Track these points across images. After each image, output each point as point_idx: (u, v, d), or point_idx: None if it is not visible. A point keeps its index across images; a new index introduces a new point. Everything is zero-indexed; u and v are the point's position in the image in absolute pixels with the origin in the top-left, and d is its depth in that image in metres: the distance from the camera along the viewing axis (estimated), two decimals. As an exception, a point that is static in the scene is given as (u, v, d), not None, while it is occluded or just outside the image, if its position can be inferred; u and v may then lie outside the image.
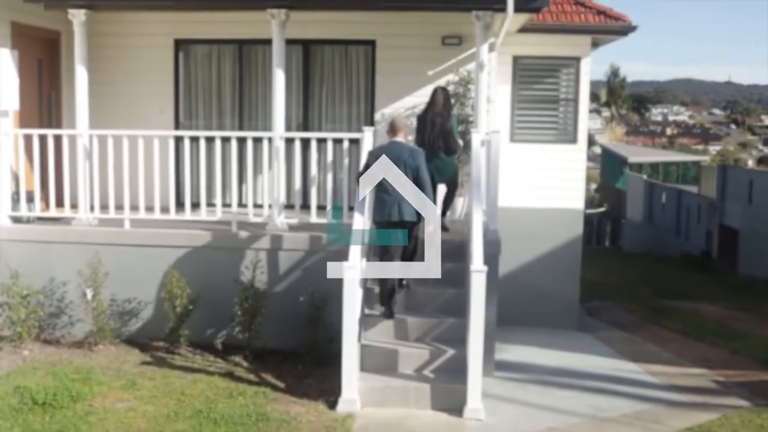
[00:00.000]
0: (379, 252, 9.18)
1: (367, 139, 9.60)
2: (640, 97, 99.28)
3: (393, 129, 9.03)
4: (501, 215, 9.67)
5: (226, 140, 10.19)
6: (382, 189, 8.76)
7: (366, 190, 8.87)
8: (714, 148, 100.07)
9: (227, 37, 11.87)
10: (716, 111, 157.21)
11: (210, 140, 10.29)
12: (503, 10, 9.62)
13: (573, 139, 14.54)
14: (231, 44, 12.01)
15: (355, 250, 8.31)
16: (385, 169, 8.65)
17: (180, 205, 10.41)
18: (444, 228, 10.02)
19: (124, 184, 10.10)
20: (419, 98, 11.55)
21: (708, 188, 32.14)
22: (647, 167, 41.67)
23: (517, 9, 9.58)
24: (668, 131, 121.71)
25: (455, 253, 9.63)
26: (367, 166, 8.80)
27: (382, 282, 9.06)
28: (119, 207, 10.22)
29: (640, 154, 46.56)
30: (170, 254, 10.02)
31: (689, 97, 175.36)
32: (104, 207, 10.29)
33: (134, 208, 10.21)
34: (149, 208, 10.23)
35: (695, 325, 15.79)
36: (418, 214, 8.77)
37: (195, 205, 10.30)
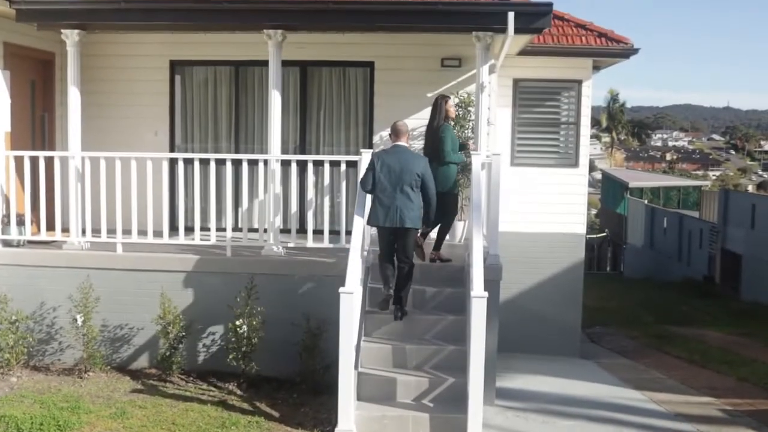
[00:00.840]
0: (379, 258, 8.94)
1: (366, 162, 9.39)
2: (640, 123, 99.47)
3: (396, 133, 8.87)
4: (501, 240, 9.45)
5: (220, 162, 9.99)
6: (385, 193, 8.58)
7: (367, 193, 8.77)
8: (714, 174, 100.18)
9: (223, 59, 11.70)
10: (715, 136, 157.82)
11: (205, 163, 10.09)
12: (504, 30, 9.44)
13: (574, 163, 14.35)
14: (227, 66, 11.84)
15: (352, 275, 8.08)
16: (389, 173, 8.54)
17: (174, 229, 10.21)
18: (442, 259, 9.79)
19: (117, 207, 9.89)
20: (419, 121, 11.36)
21: (709, 213, 31.94)
22: (648, 192, 41.50)
23: (518, 30, 9.39)
24: (668, 156, 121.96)
25: (455, 278, 9.43)
26: (371, 169, 8.64)
27: (385, 283, 8.81)
28: (111, 231, 10.01)
29: (640, 179, 46.37)
30: (163, 279, 9.78)
31: (688, 122, 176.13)
32: (96, 231, 10.08)
33: (126, 232, 9.98)
34: (142, 232, 10.00)
35: (699, 351, 15.54)
36: (420, 221, 8.73)
37: (189, 229, 10.12)
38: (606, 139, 77.53)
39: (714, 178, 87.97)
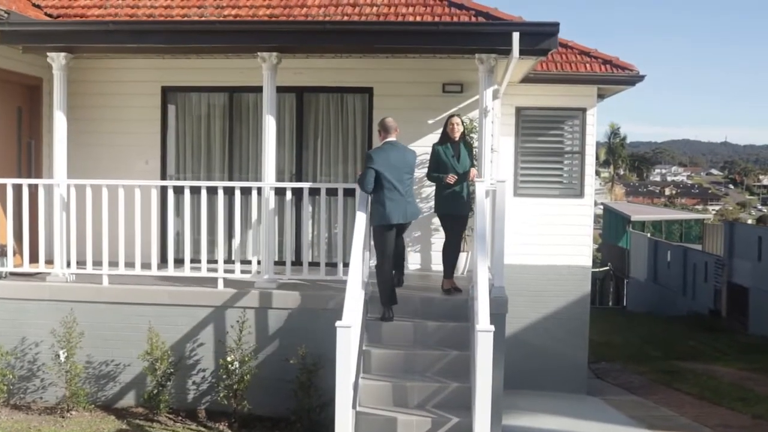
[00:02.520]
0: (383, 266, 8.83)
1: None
2: (641, 157, 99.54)
3: (387, 129, 8.89)
4: (505, 272, 9.00)
5: (212, 192, 9.57)
6: (392, 190, 8.66)
7: (368, 193, 8.76)
8: (713, 208, 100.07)
9: (218, 85, 11.29)
10: (714, 171, 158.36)
11: (195, 191, 9.67)
12: (508, 53, 9.04)
13: (579, 194, 13.93)
14: (221, 92, 11.42)
15: (350, 307, 7.62)
16: (392, 170, 8.65)
17: (163, 260, 9.76)
18: (457, 289, 9.38)
19: (103, 237, 9.48)
20: (419, 148, 10.88)
21: (713, 246, 31.50)
22: (649, 226, 41.13)
23: (523, 52, 8.98)
24: (667, 191, 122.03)
25: (458, 311, 8.99)
26: (370, 168, 8.62)
27: (383, 284, 8.79)
28: (97, 263, 9.56)
29: (642, 212, 46.01)
30: (151, 313, 9.32)
31: (687, 157, 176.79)
32: (81, 262, 9.64)
33: (113, 263, 9.54)
34: (129, 264, 9.56)
35: (710, 387, 15.03)
36: None
37: (179, 261, 9.68)
38: (605, 174, 77.28)
39: (713, 212, 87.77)
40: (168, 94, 11.42)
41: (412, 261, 11.18)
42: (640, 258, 36.18)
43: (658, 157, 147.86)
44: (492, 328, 7.16)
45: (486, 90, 9.46)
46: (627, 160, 78.94)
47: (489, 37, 9.20)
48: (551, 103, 13.78)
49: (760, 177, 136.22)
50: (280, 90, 10.38)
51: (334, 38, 9.37)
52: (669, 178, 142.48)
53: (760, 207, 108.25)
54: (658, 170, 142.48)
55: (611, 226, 43.24)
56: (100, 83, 11.33)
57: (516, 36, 8.78)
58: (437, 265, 10.67)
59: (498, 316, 8.34)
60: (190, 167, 11.60)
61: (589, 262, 14.16)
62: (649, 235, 37.75)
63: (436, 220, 10.33)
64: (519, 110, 13.87)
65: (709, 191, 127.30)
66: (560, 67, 13.55)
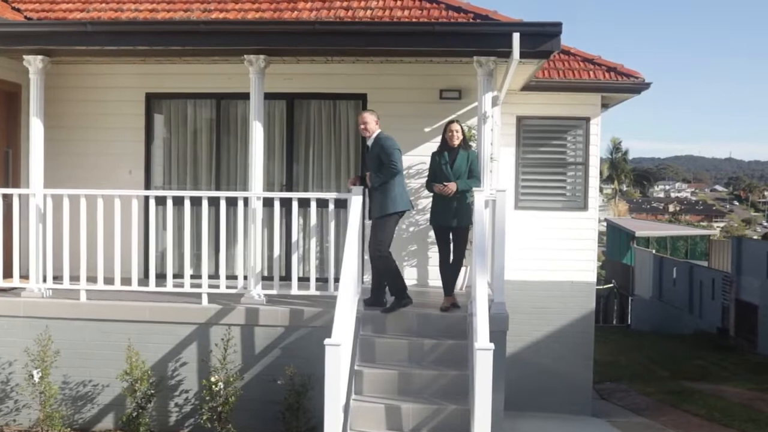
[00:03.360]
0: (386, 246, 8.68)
1: (356, 200, 8.47)
2: (645, 172, 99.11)
3: (372, 122, 8.83)
4: (505, 288, 8.50)
5: (196, 203, 9.08)
6: (401, 175, 8.74)
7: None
8: (718, 225, 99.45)
9: (204, 91, 10.80)
10: (718, 187, 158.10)
11: (179, 202, 9.18)
12: (508, 55, 8.56)
13: (583, 206, 13.40)
14: (208, 99, 10.93)
15: (341, 323, 7.10)
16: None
17: (144, 275, 9.25)
18: (456, 306, 8.89)
19: (81, 250, 8.98)
20: (415, 157, 10.50)
21: (719, 262, 30.92)
22: (654, 242, 40.55)
23: (524, 54, 8.48)
24: (671, 208, 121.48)
25: (456, 328, 8.48)
26: (397, 148, 8.67)
27: (395, 271, 8.74)
28: (75, 277, 9.06)
29: (647, 228, 45.46)
30: (131, 330, 8.84)
31: (691, 173, 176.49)
32: (58, 278, 9.14)
33: (92, 279, 9.03)
34: (109, 279, 9.05)
35: (720, 409, 14.46)
36: None
37: (161, 276, 9.17)
38: (608, 190, 76.80)
39: (719, 228, 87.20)
40: (153, 101, 10.93)
41: (408, 276, 10.65)
42: (645, 275, 35.58)
43: (661, 173, 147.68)
44: (492, 346, 6.65)
45: (485, 95, 8.98)
46: (630, 175, 78.42)
47: (488, 38, 8.69)
48: (553, 112, 13.28)
49: (765, 193, 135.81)
50: (270, 96, 9.95)
51: (324, 39, 8.87)
52: (673, 195, 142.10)
53: (765, 223, 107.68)
54: (661, 186, 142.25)
55: (615, 242, 42.66)
56: (81, 90, 10.86)
57: (516, 37, 8.29)
58: (434, 280, 10.18)
59: (498, 333, 7.86)
60: (176, 178, 11.10)
61: (594, 278, 13.62)
62: (653, 251, 37.12)
63: (433, 234, 9.82)
64: (520, 119, 13.36)
65: (714, 208, 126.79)
66: (563, 75, 13.06)
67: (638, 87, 13.10)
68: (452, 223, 8.84)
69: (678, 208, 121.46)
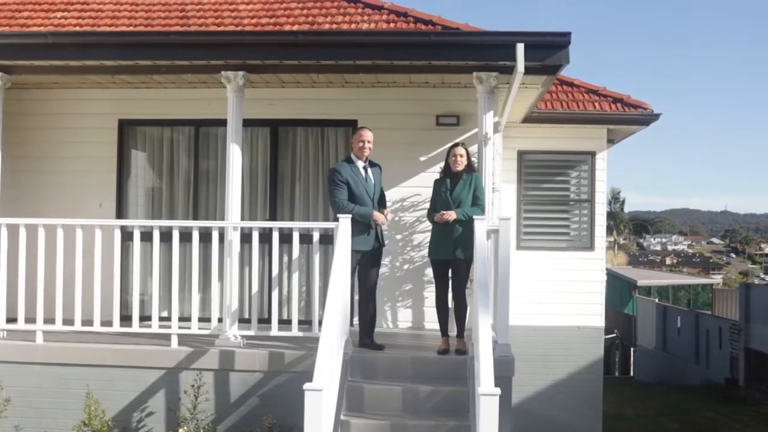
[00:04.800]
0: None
1: (343, 230, 7.57)
2: (643, 220, 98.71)
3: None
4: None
5: (166, 238, 8.20)
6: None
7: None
8: (715, 277, 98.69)
9: (181, 117, 9.96)
10: (715, 240, 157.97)
11: (146, 238, 8.39)
12: (511, 70, 7.77)
13: (589, 246, 12.55)
14: (186, 125, 10.08)
15: (323, 367, 6.17)
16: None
17: (107, 315, 8.29)
18: (460, 351, 7.96)
19: (38, 288, 8.08)
20: (409, 189, 9.68)
21: (724, 311, 29.95)
22: (655, 292, 39.59)
23: (530, 70, 7.67)
24: (668, 261, 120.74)
25: (454, 373, 7.58)
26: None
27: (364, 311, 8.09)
28: (30, 318, 8.13)
29: (648, 277, 44.52)
30: (92, 376, 7.94)
31: (687, 226, 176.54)
32: (11, 319, 8.26)
33: (49, 320, 8.11)
34: (68, 320, 8.12)
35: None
36: None
37: (126, 318, 8.26)
38: (607, 240, 76.20)
39: (720, 278, 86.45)
40: (126, 128, 10.07)
41: (403, 318, 9.75)
42: (648, 325, 34.55)
43: (657, 226, 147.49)
44: (498, 391, 5.71)
45: (486, 114, 8.16)
46: (629, 225, 77.83)
47: (489, 49, 7.85)
48: (557, 146, 12.49)
49: (762, 245, 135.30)
50: (252, 123, 9.26)
51: (307, 52, 8.01)
52: (669, 247, 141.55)
53: (762, 276, 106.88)
54: (658, 239, 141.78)
55: (616, 291, 41.61)
56: (48, 116, 10.04)
57: (520, 48, 7.50)
58: (430, 322, 9.27)
59: (503, 379, 6.95)
60: (150, 211, 10.21)
61: (602, 323, 12.70)
62: (656, 300, 36.14)
63: (429, 271, 8.95)
64: (521, 154, 12.58)
65: (711, 260, 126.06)
66: (566, 106, 12.31)
67: (646, 118, 12.31)
68: (451, 256, 7.94)
69: (675, 261, 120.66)
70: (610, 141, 13.03)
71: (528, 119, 11.81)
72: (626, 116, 12.26)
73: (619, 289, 39.17)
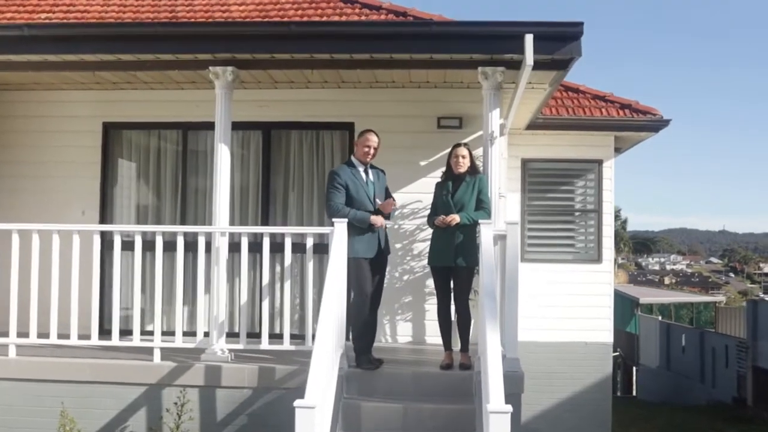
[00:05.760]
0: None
1: (338, 235, 7.03)
2: (645, 240, 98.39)
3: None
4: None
5: (149, 247, 7.67)
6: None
7: None
8: (717, 296, 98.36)
9: (169, 120, 9.45)
10: (713, 259, 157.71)
11: (128, 246, 7.89)
12: (518, 64, 7.26)
13: (596, 258, 12.02)
14: (174, 129, 9.56)
15: (316, 383, 5.61)
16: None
17: (85, 327, 7.73)
18: (465, 366, 7.38)
19: (11, 298, 7.53)
20: (409, 195, 9.13)
21: (728, 329, 29.39)
22: (657, 310, 39.01)
23: (539, 64, 7.15)
24: (666, 280, 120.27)
25: (458, 390, 7.02)
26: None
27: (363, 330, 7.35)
28: (3, 332, 7.61)
29: (650, 294, 43.91)
30: (68, 392, 7.38)
31: (685, 246, 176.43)
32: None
33: (23, 333, 7.56)
34: (43, 333, 7.56)
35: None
36: None
37: (106, 332, 7.71)
38: (607, 259, 75.68)
39: (722, 296, 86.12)
40: (111, 132, 9.55)
41: (402, 332, 9.20)
42: (651, 343, 33.93)
43: (656, 246, 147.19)
44: (509, 408, 5.14)
45: (491, 111, 7.63)
46: (629, 244, 77.39)
47: (495, 41, 7.29)
48: (562, 154, 12.00)
49: (761, 265, 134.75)
50: (243, 126, 8.77)
51: (301, 45, 7.47)
52: (668, 267, 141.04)
53: (762, 295, 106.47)
54: (656, 259, 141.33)
55: (618, 310, 40.87)
56: (30, 119, 9.56)
57: (529, 39, 6.98)
58: (432, 336, 8.72)
59: (512, 396, 6.36)
60: (135, 218, 9.66)
61: (611, 338, 12.16)
62: (660, 318, 35.55)
63: (430, 282, 8.41)
64: (525, 163, 12.10)
65: (710, 280, 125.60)
66: (572, 112, 11.83)
67: (656, 124, 11.82)
68: (452, 263, 7.38)
69: (674, 280, 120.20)
70: (617, 150, 12.52)
71: (532, 125, 11.30)
72: (635, 122, 11.76)
73: (620, 307, 38.53)
